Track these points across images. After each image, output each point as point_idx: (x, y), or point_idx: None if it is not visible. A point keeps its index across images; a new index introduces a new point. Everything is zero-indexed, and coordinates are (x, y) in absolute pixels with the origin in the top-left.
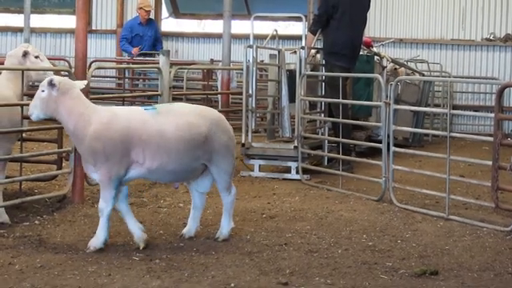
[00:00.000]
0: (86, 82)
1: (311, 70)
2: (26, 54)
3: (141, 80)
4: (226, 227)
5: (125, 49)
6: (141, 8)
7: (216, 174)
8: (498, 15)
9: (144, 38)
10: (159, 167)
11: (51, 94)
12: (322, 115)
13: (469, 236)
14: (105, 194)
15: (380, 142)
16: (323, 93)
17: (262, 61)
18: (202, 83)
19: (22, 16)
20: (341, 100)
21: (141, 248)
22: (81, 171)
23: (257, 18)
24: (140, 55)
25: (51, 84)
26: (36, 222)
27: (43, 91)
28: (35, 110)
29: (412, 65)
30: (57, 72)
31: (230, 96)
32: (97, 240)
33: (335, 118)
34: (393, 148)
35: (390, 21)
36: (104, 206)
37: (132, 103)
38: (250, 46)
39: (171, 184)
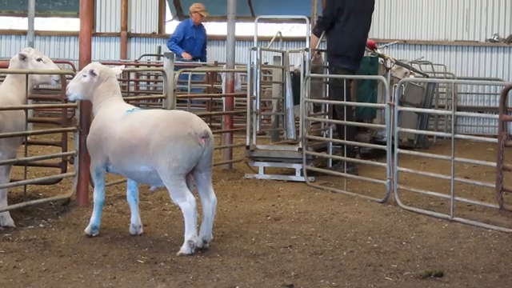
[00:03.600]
0: (122, 67)
1: (312, 71)
2: (23, 58)
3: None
4: (184, 241)
5: (174, 49)
6: (196, 12)
7: (161, 177)
8: (501, 16)
9: (197, 41)
10: (117, 166)
11: (92, 81)
12: (327, 117)
13: (474, 237)
14: (94, 182)
15: (384, 143)
16: (327, 95)
17: (266, 63)
18: (207, 85)
19: (26, 19)
20: (345, 102)
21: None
22: (85, 174)
23: (261, 20)
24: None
25: (93, 73)
26: (41, 225)
27: (85, 76)
28: (74, 91)
29: (416, 66)
30: (62, 75)
31: (235, 98)
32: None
33: (339, 120)
34: (397, 150)
35: (394, 22)
36: (94, 194)
37: (136, 106)
38: (254, 48)
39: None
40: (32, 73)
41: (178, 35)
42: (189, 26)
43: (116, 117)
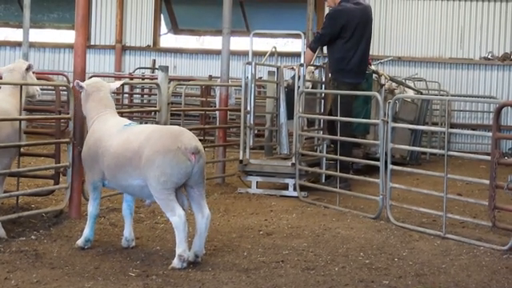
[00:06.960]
0: (121, 82)
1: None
2: (29, 68)
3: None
4: (176, 255)
5: None
6: None
7: (151, 191)
8: (496, 34)
9: None
10: (112, 180)
11: (82, 95)
12: (321, 132)
13: (465, 255)
14: (90, 196)
15: (377, 159)
16: (322, 110)
17: (261, 77)
18: (201, 99)
19: (21, 30)
20: (339, 117)
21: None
22: (78, 186)
23: (256, 34)
24: None
25: (79, 86)
26: (32, 237)
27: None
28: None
29: (410, 83)
30: (56, 87)
31: (228, 112)
32: (80, 239)
33: (341, 136)
34: (390, 166)
35: (389, 39)
36: (88, 207)
37: (130, 119)
38: (249, 63)
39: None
40: (26, 84)
41: None
42: None
43: (113, 131)
